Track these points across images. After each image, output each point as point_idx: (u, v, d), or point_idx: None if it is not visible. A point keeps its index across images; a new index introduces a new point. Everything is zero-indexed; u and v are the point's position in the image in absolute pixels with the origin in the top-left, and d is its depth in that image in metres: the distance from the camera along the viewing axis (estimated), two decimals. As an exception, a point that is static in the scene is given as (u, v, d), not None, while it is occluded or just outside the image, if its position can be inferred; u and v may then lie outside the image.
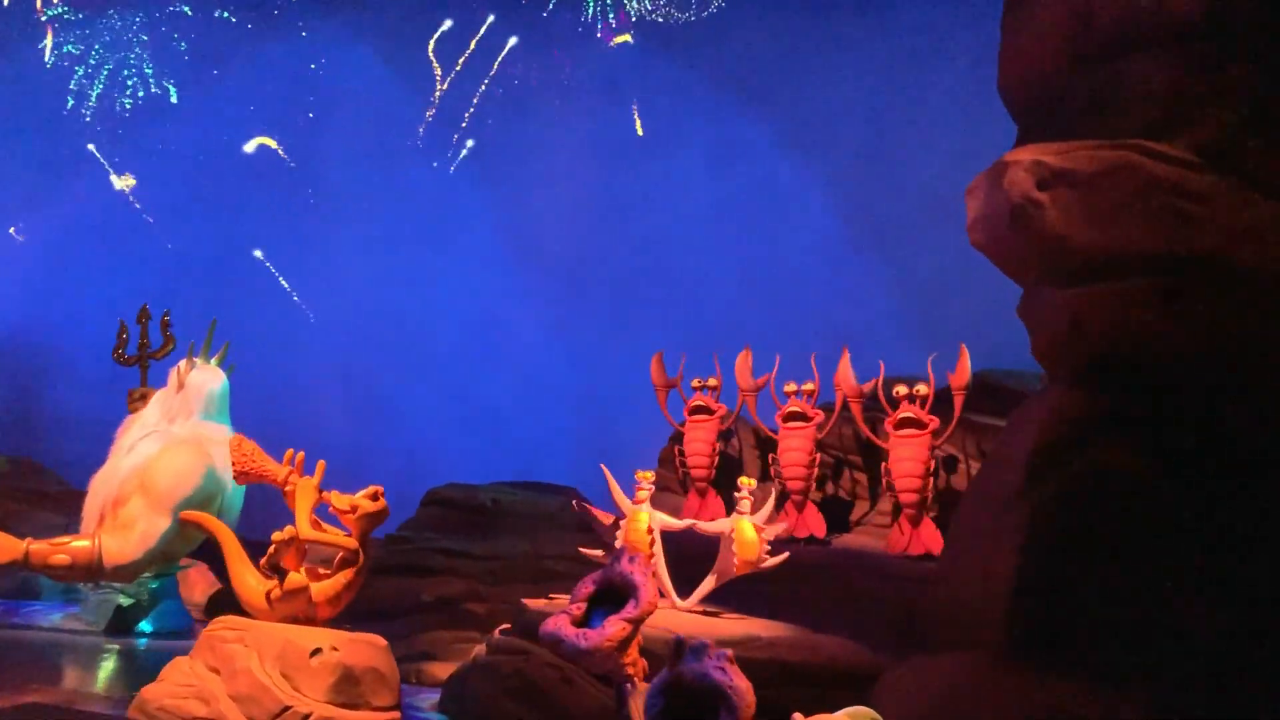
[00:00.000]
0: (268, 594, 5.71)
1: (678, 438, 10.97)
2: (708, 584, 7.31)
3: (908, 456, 8.58)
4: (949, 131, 10.44)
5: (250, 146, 13.27)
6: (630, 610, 4.94)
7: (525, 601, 7.30)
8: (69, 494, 11.30)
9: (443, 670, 8.28)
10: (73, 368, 14.07)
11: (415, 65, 13.17)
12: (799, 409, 9.29)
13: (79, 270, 14.07)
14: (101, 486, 9.05)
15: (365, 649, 5.65)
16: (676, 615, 7.05)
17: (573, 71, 12.45)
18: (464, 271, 13.26)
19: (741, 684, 4.66)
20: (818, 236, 11.36)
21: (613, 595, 5.18)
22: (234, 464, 6.06)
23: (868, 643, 6.84)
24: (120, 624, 8.79)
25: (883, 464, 8.73)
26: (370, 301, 13.31)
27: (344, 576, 5.87)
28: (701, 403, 9.96)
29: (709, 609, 7.28)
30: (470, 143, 12.91)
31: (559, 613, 5.24)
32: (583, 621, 5.13)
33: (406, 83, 13.30)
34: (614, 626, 4.90)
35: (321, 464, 6.07)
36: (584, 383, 12.53)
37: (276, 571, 5.69)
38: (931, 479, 8.57)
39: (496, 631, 7.49)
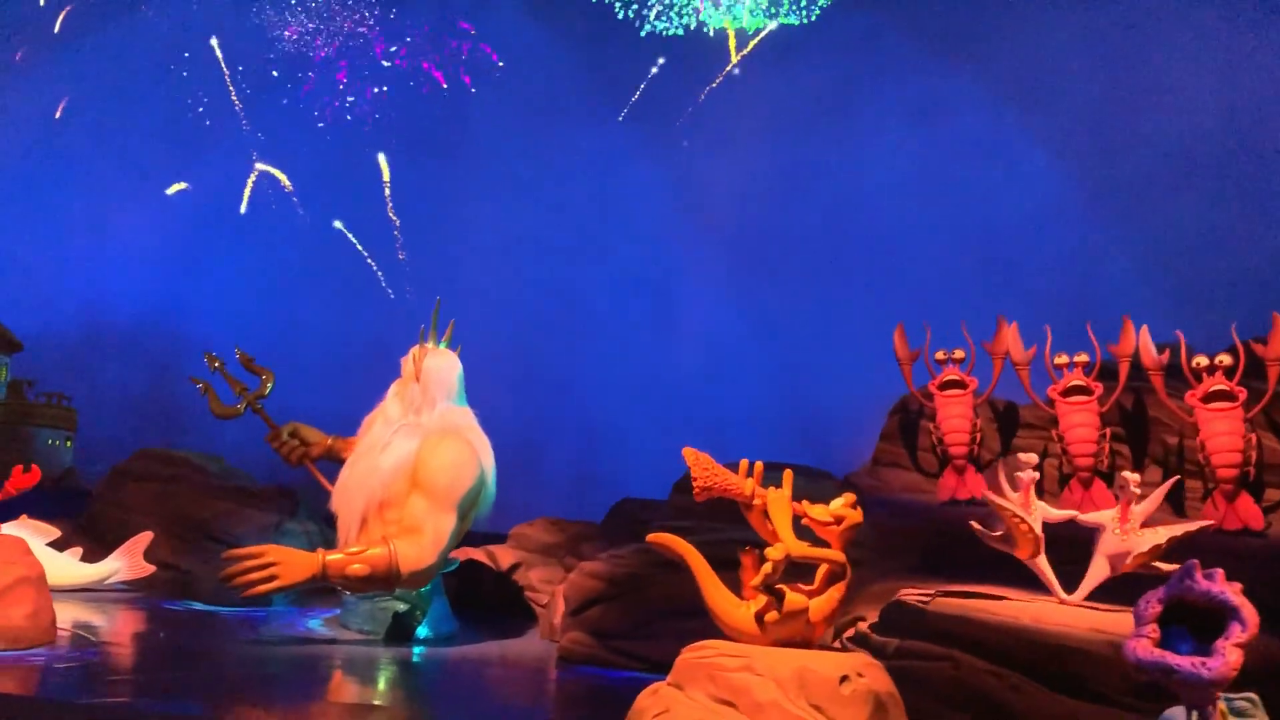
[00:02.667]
0: (760, 616, 5.25)
1: (921, 413, 10.67)
2: (1094, 577, 7.01)
3: (1223, 431, 8.38)
4: (1195, 86, 10.04)
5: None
6: (1238, 634, 4.59)
7: (903, 596, 6.91)
8: (274, 491, 10.65)
9: (764, 668, 7.90)
10: (213, 351, 13.30)
11: (580, 25, 12.42)
12: (1081, 382, 9.04)
13: (211, 251, 13.26)
14: (359, 488, 8.55)
15: (878, 671, 5.22)
16: (1068, 611, 6.73)
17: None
18: (638, 243, 12.67)
19: (1252, 607, 4.62)
20: (1042, 197, 10.91)
21: (1182, 613, 4.85)
22: (696, 479, 5.55)
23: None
24: (399, 631, 8.27)
25: (1197, 439, 8.52)
26: (538, 276, 12.68)
27: (836, 592, 5.41)
28: (954, 377, 9.73)
29: (1095, 604, 6.97)
30: (641, 107, 12.22)
31: (1134, 635, 4.85)
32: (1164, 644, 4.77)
33: (571, 45, 12.56)
34: (1234, 654, 4.53)
35: (789, 473, 5.59)
36: (775, 356, 12.07)
37: (770, 592, 5.24)
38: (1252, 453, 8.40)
39: (864, 627, 7.13)
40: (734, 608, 5.38)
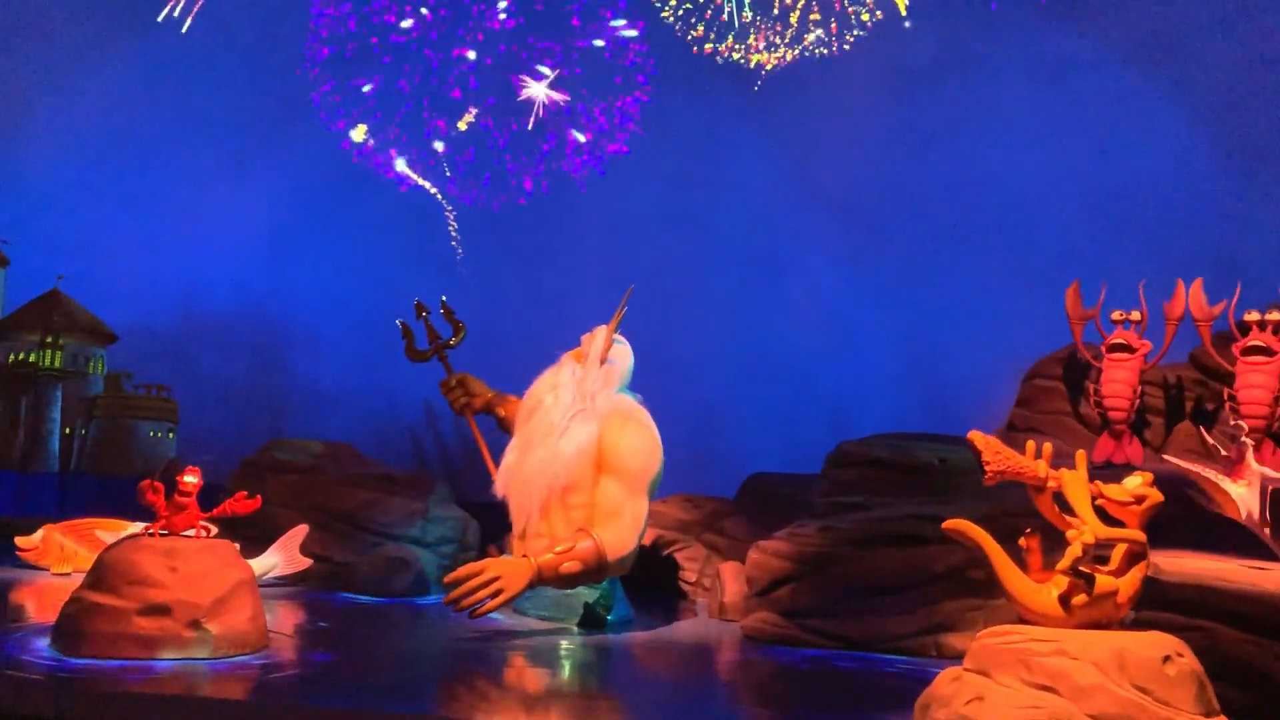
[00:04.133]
0: (1065, 599, 5.17)
1: (1090, 375, 10.58)
2: (1312, 537, 7.04)
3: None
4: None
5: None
6: None
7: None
8: (416, 477, 10.52)
9: (960, 641, 7.90)
10: (317, 337, 13.11)
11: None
12: (1262, 342, 9.03)
13: (311, 233, 12.99)
14: (540, 473, 8.45)
15: (1189, 650, 5.17)
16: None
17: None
18: (740, 209, 12.46)
19: None
20: (1175, 155, 10.74)
21: None
22: (988, 464, 5.38)
23: None
24: (592, 620, 8.20)
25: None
26: (644, 249, 12.46)
27: (1139, 572, 5.32)
28: (1122, 340, 9.72)
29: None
30: (745, 69, 11.94)
31: None
32: None
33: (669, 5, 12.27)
34: None
35: (1081, 454, 5.49)
36: (895, 324, 11.92)
37: (1080, 575, 5.15)
38: None
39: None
40: (1034, 592, 5.27)
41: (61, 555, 9.66)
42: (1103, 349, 9.86)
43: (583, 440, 8.36)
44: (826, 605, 8.06)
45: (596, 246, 12.26)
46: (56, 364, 13.06)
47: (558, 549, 7.73)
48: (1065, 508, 5.40)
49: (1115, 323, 9.91)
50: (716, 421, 12.04)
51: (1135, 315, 9.79)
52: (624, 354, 9.06)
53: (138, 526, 9.12)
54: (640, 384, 10.96)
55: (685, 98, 12.17)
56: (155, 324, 12.76)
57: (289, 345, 12.87)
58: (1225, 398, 9.30)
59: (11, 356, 13.14)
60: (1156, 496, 5.37)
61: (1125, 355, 9.78)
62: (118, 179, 12.84)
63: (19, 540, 9.78)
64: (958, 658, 7.82)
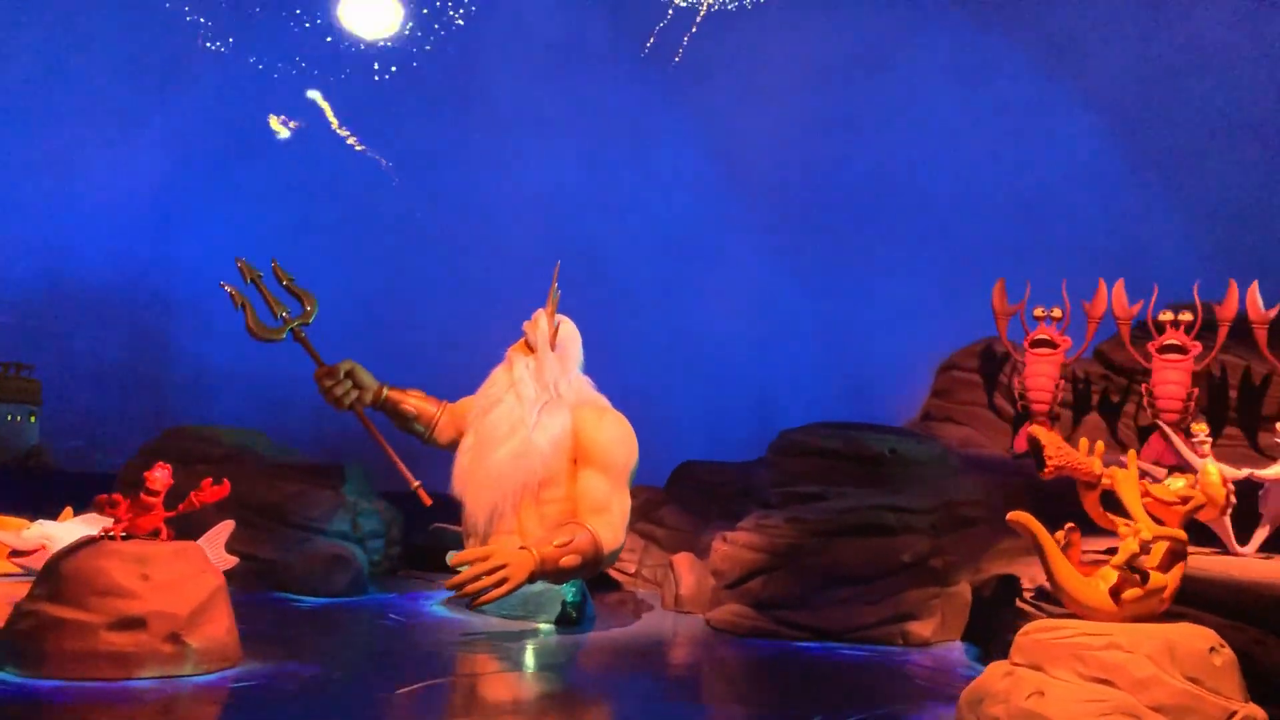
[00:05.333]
0: (1116, 593, 5.32)
1: (1007, 369, 11.03)
2: (1264, 529, 7.56)
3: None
4: (1238, 50, 10.61)
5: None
6: None
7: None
8: (337, 467, 9.79)
9: (923, 629, 8.10)
10: (205, 312, 12.02)
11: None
12: (1177, 341, 9.69)
13: (200, 198, 11.92)
14: (513, 470, 8.11)
15: (1223, 640, 5.43)
16: (1264, 564, 7.24)
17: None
18: (665, 194, 12.32)
19: None
20: (1085, 158, 11.34)
21: None
22: (1050, 458, 5.49)
23: None
24: (569, 617, 7.89)
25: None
26: (557, 229, 12.13)
27: (1179, 570, 5.53)
28: (1044, 335, 10.28)
29: (1267, 555, 7.52)
30: (676, 53, 11.81)
31: None
32: None
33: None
34: None
35: (1133, 454, 5.68)
36: (819, 314, 12.10)
37: (1136, 570, 5.31)
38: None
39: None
40: (1086, 585, 5.40)
41: (-63, 556, 8.51)
42: (1025, 344, 10.36)
43: (556, 431, 8.09)
44: (798, 597, 8.08)
45: (519, 229, 11.82)
46: (-114, 337, 11.42)
47: (556, 541, 7.44)
48: (1110, 505, 5.59)
49: (1038, 319, 10.47)
50: (643, 409, 11.82)
51: (1056, 312, 10.38)
52: (571, 333, 8.76)
53: (59, 523, 8.21)
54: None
55: (613, 76, 11.87)
56: (15, 294, 11.35)
57: (173, 321, 11.74)
58: (1144, 392, 9.92)
59: None
60: (1199, 498, 5.62)
61: (1048, 350, 10.34)
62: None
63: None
64: (922, 646, 8.08)
